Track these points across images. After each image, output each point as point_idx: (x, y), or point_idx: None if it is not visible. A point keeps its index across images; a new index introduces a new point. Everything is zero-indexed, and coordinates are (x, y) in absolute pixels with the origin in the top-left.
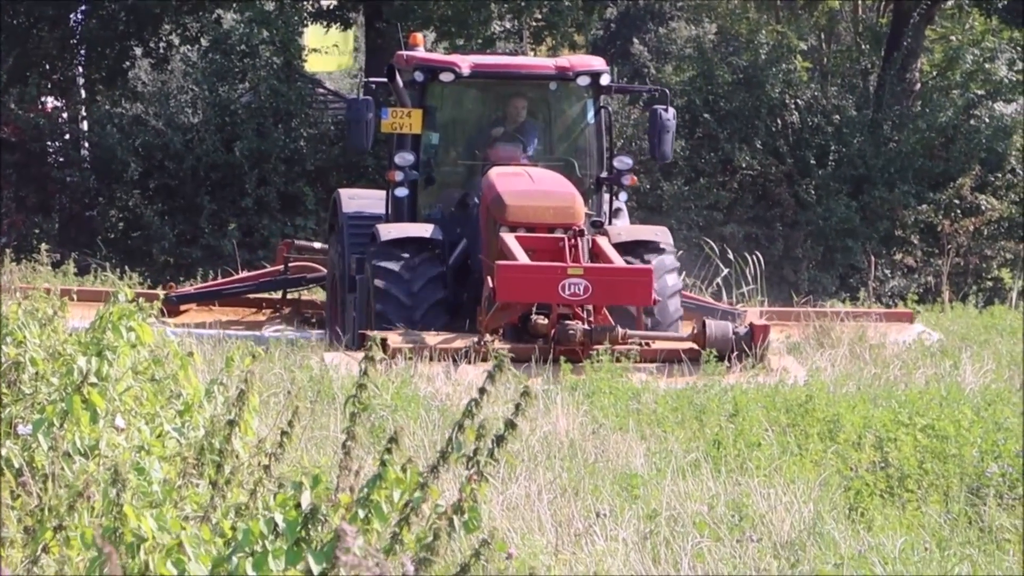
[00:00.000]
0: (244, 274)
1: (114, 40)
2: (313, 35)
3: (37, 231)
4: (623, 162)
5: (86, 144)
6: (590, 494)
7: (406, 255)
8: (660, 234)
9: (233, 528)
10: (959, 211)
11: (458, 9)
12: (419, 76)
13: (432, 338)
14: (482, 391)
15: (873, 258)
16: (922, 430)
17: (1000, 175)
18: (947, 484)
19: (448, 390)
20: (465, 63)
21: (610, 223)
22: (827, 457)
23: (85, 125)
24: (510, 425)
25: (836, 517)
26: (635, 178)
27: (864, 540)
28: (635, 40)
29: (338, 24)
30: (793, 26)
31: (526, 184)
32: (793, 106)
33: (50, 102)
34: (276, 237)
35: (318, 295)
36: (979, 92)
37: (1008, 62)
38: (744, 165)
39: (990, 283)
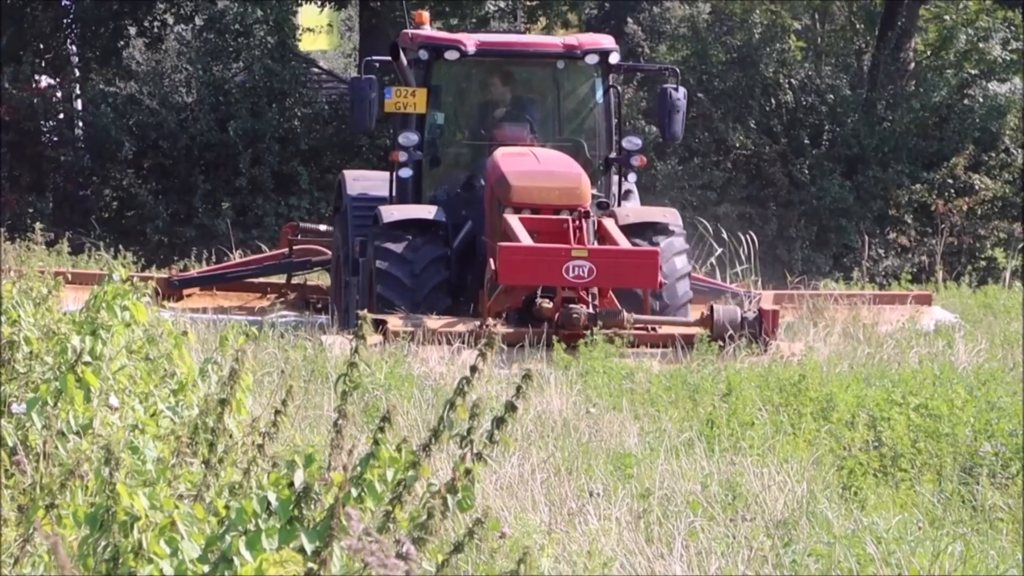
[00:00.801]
0: (248, 257)
1: (108, 19)
2: (307, 15)
3: (31, 211)
4: (632, 143)
5: (80, 123)
6: (583, 473)
7: (409, 237)
8: (669, 215)
9: (226, 507)
10: (953, 191)
11: None
12: (424, 55)
13: (433, 322)
14: (474, 369)
15: (867, 238)
16: (915, 409)
17: (994, 155)
18: (940, 463)
19: (442, 369)
20: (471, 41)
21: (619, 205)
22: (820, 436)
23: (79, 104)
24: (510, 407)
25: (829, 496)
26: (644, 159)
27: (857, 519)
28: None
29: (332, 4)
30: (787, 5)
31: (531, 165)
32: (787, 86)
33: (44, 81)
34: (270, 217)
35: (323, 280)
36: (973, 72)
37: (1002, 42)
38: (738, 145)
39: (984, 263)
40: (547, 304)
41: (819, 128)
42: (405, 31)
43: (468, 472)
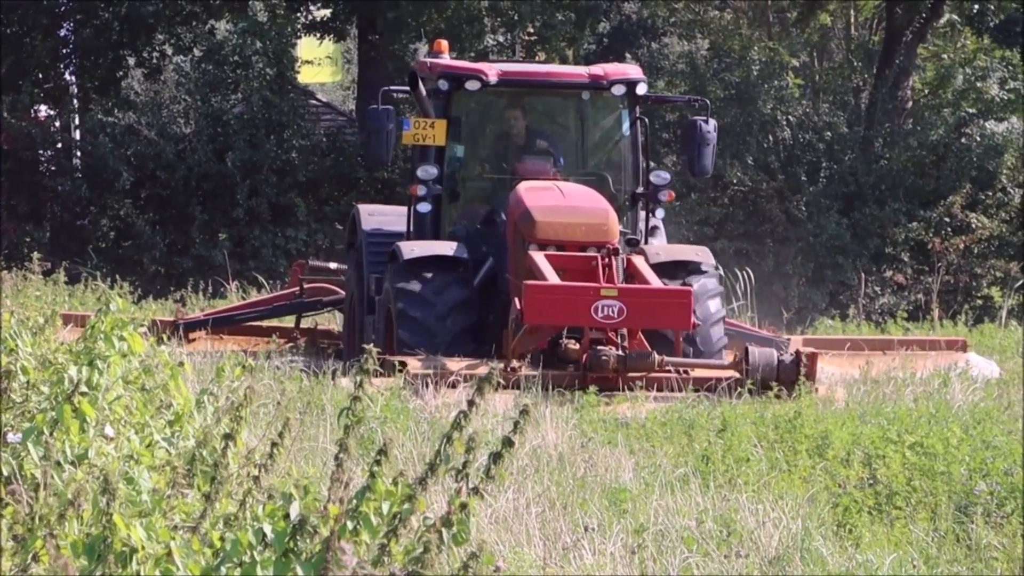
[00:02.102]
0: (256, 298)
1: (107, 49)
2: (306, 47)
3: (28, 239)
4: (660, 177)
5: (78, 153)
6: (578, 508)
7: (430, 275)
8: (701, 254)
9: (222, 539)
10: (949, 229)
11: (451, 22)
12: (443, 84)
13: (454, 364)
14: (471, 404)
15: (863, 275)
16: (911, 447)
17: (991, 194)
18: (935, 502)
19: (437, 403)
20: (492, 71)
21: (646, 242)
22: (815, 473)
23: (77, 134)
24: (507, 443)
25: (824, 533)
26: (673, 194)
27: (852, 557)
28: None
29: (331, 36)
30: (785, 43)
31: (556, 199)
32: (785, 122)
33: (43, 111)
34: (267, 248)
35: (335, 324)
36: (970, 111)
37: (999, 81)
38: (735, 181)
39: (980, 301)
40: (573, 345)
41: (816, 165)
42: (423, 60)
43: (464, 506)
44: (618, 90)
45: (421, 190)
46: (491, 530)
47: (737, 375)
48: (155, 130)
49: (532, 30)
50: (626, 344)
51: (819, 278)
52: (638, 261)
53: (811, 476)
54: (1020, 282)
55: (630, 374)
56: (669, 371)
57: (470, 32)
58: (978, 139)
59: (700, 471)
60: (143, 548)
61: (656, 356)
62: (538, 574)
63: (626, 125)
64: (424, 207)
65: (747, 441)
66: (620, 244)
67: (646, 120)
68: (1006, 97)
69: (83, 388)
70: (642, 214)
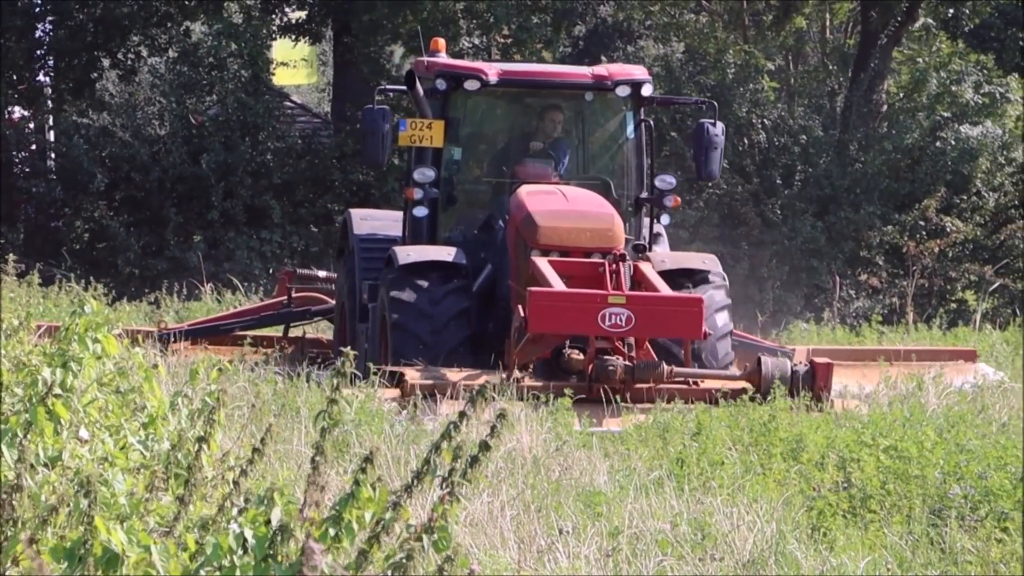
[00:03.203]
0: (243, 307)
1: (82, 51)
2: (281, 49)
3: (2, 241)
4: (666, 181)
5: (52, 155)
6: (553, 511)
7: (427, 282)
8: (709, 262)
9: (198, 542)
10: (924, 233)
11: (426, 25)
12: (441, 84)
13: (454, 374)
14: (462, 415)
15: (838, 278)
16: (885, 451)
17: (965, 197)
18: (909, 505)
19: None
20: (492, 70)
21: (649, 249)
22: (790, 477)
23: (52, 135)
24: (484, 447)
25: (798, 537)
26: (679, 199)
27: (826, 560)
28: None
29: (307, 38)
30: (760, 46)
31: (560, 203)
32: (760, 126)
33: (17, 112)
34: (242, 250)
35: (324, 332)
36: (945, 114)
37: (974, 85)
38: (710, 184)
39: (954, 305)
40: (577, 355)
41: (791, 168)
42: (420, 59)
43: (446, 514)
44: (622, 91)
45: (417, 193)
46: (466, 533)
47: (749, 386)
48: (130, 132)
49: (507, 32)
50: (633, 354)
51: (794, 281)
52: (646, 268)
53: (785, 479)
54: (995, 285)
55: (638, 385)
56: (678, 382)
57: (445, 34)
58: (953, 143)
59: (675, 474)
60: (124, 551)
61: (665, 366)
62: None
63: (630, 128)
64: (420, 211)
65: (722, 444)
66: (627, 250)
67: (651, 122)
68: (980, 101)
69: (57, 390)
70: (646, 220)
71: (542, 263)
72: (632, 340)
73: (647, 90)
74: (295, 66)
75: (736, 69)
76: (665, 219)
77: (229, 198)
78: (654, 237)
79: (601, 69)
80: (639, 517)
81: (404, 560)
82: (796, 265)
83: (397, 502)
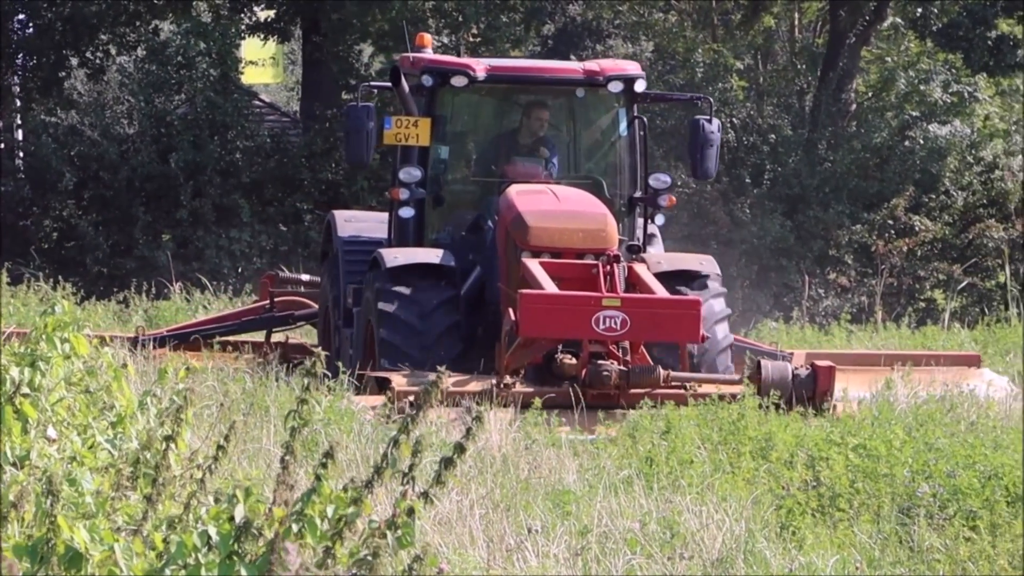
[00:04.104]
0: (224, 312)
1: (50, 49)
2: (250, 48)
3: None
4: (660, 180)
5: (20, 153)
6: (522, 510)
7: (414, 286)
8: (706, 263)
9: (165, 541)
10: (893, 232)
11: (395, 24)
12: (427, 80)
13: (443, 380)
14: (418, 407)
15: (807, 277)
16: (854, 449)
17: (934, 196)
18: (878, 503)
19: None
20: (480, 66)
21: (643, 250)
22: (759, 475)
23: (20, 134)
24: (459, 449)
25: (767, 535)
26: (674, 199)
27: (795, 558)
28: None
29: (275, 37)
30: (729, 45)
31: (551, 203)
32: (729, 125)
33: None
34: (211, 249)
35: (308, 337)
36: (914, 113)
37: (943, 84)
38: (679, 183)
39: (923, 304)
40: (569, 360)
41: (760, 167)
42: (406, 55)
43: (410, 510)
44: (615, 87)
45: (403, 194)
46: (435, 532)
47: (748, 390)
48: (98, 131)
49: (476, 31)
50: (628, 358)
51: (763, 280)
52: (641, 269)
53: (754, 478)
54: (963, 284)
55: (633, 391)
56: (674, 387)
57: (414, 33)
58: (921, 142)
59: (644, 473)
60: (87, 550)
61: (661, 371)
62: None
63: (623, 125)
64: (406, 212)
65: (691, 443)
66: (621, 251)
67: (644, 119)
68: (949, 100)
69: (25, 389)
70: (640, 221)
71: (533, 264)
72: (627, 344)
73: (640, 86)
74: (264, 65)
75: (705, 68)
76: (660, 219)
77: (198, 197)
78: (648, 238)
79: (593, 64)
80: (608, 516)
81: (370, 558)
82: (765, 264)
83: (358, 497)
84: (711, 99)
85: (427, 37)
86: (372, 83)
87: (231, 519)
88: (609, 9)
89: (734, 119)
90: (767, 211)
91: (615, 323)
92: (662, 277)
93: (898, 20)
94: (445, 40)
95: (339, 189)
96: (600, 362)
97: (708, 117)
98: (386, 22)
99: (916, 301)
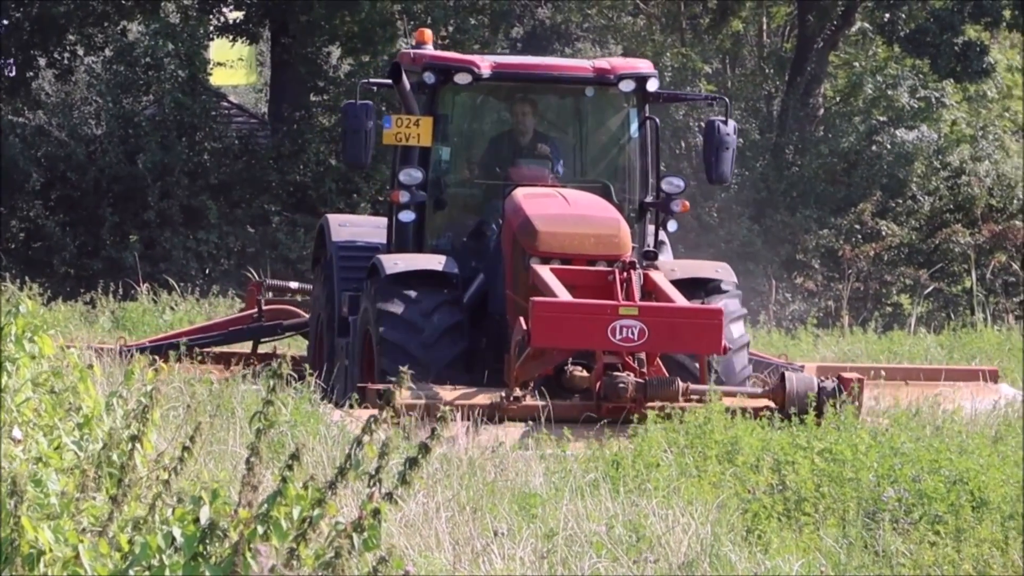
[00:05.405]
0: (210, 322)
1: (18, 49)
2: (218, 49)
3: None
4: (673, 184)
5: None
6: (488, 513)
7: (415, 294)
8: (721, 271)
9: (130, 542)
10: (860, 236)
11: (364, 26)
12: (429, 78)
13: (448, 393)
14: (382, 408)
15: (774, 282)
16: (820, 454)
17: (901, 201)
18: (844, 508)
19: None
20: (485, 63)
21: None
22: (725, 479)
23: None
24: (424, 449)
25: (733, 539)
26: (687, 204)
27: (761, 562)
28: None
29: (244, 38)
30: (698, 49)
31: (561, 207)
32: (696, 129)
33: None
34: (178, 250)
35: (297, 348)
36: (881, 118)
37: (910, 89)
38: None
39: (889, 308)
40: (580, 372)
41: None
42: (406, 51)
43: (376, 512)
44: (626, 86)
45: (404, 196)
46: (401, 535)
47: (772, 404)
48: (66, 131)
49: (445, 34)
50: (645, 370)
51: None
52: (657, 277)
53: (721, 482)
54: (929, 289)
55: (650, 404)
56: (694, 400)
57: (383, 36)
58: (888, 147)
59: (610, 476)
60: (51, 551)
61: (680, 383)
62: None
63: (634, 126)
64: (407, 216)
65: (657, 447)
66: (636, 257)
67: (657, 120)
68: (916, 105)
69: None
70: (651, 227)
71: (544, 271)
72: (643, 356)
73: (652, 85)
74: (232, 66)
75: (673, 72)
76: (672, 225)
77: (165, 198)
78: (658, 245)
79: (603, 62)
80: (574, 519)
81: (333, 558)
82: (732, 268)
83: (322, 498)
84: (727, 99)
85: (427, 32)
86: (371, 80)
87: (196, 520)
88: (578, 12)
89: (702, 123)
90: (734, 215)
91: (632, 333)
92: (676, 285)
93: (866, 25)
94: (413, 42)
95: (307, 191)
96: (615, 374)
97: (724, 119)
98: (355, 24)
99: (883, 306)
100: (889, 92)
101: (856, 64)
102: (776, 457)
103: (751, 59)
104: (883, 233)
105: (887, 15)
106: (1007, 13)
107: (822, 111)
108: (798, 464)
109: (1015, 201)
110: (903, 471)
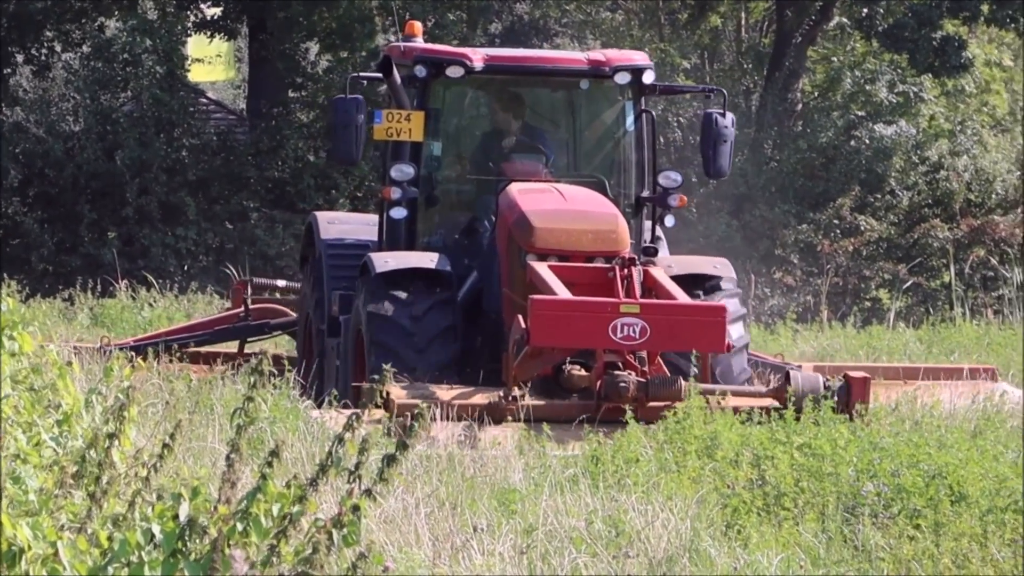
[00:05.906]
0: (195, 321)
1: None
2: (196, 45)
3: None
4: (670, 179)
5: None
6: (468, 508)
7: (408, 293)
8: (720, 267)
9: (110, 539)
10: (838, 231)
11: (342, 22)
12: (421, 71)
13: (445, 392)
14: (363, 406)
15: (753, 277)
16: (799, 448)
17: (879, 196)
18: (823, 502)
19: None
20: (477, 56)
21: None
22: (705, 474)
23: None
24: (402, 445)
25: (713, 534)
26: (685, 199)
27: (740, 557)
28: None
29: (222, 34)
30: (676, 44)
31: (557, 203)
32: (675, 124)
33: None
34: (157, 247)
35: (286, 347)
36: (859, 113)
37: (888, 84)
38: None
39: (868, 303)
40: (579, 372)
41: None
42: (396, 44)
43: (356, 508)
44: (622, 78)
45: (395, 193)
46: (380, 530)
47: (777, 403)
48: (43, 128)
49: (424, 29)
50: (646, 368)
51: None
52: (658, 273)
53: (700, 477)
54: (908, 284)
55: (651, 403)
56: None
57: (361, 32)
58: (867, 142)
59: (590, 471)
60: (30, 548)
61: (683, 382)
62: (427, 574)
63: (630, 119)
64: (398, 213)
65: (636, 442)
66: (636, 253)
67: (653, 113)
68: (895, 100)
69: None
70: (647, 223)
71: (542, 268)
72: (644, 354)
73: (649, 77)
74: (211, 63)
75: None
76: (670, 220)
77: (144, 195)
78: (654, 240)
79: (598, 54)
80: (554, 514)
81: (311, 554)
82: None
83: (303, 495)
84: (724, 91)
85: (417, 25)
86: (361, 74)
87: (176, 517)
88: (556, 8)
89: (680, 118)
90: (713, 210)
91: (634, 331)
92: (674, 281)
93: (844, 20)
94: (391, 38)
95: (286, 187)
96: (616, 373)
97: (721, 111)
98: (333, 20)
99: (861, 300)
100: (867, 87)
101: (834, 59)
102: (755, 452)
103: (729, 54)
104: (862, 228)
105: (865, 10)
106: (985, 8)
107: (800, 106)
108: (777, 459)
109: (993, 196)
110: (882, 466)
